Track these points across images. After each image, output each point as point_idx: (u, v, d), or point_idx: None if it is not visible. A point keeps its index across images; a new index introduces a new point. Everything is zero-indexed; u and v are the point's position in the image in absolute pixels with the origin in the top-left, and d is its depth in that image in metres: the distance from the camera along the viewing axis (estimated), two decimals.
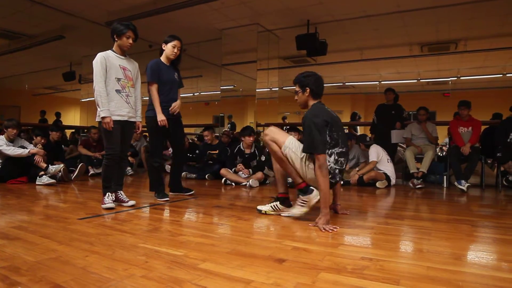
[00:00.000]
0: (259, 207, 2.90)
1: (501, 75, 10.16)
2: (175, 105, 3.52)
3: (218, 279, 1.43)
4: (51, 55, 9.20)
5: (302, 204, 2.62)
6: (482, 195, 4.46)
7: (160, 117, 3.37)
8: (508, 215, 3.10)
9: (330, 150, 2.53)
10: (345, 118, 11.34)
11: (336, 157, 2.56)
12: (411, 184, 5.01)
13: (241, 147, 5.11)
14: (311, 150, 2.49)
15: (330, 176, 2.48)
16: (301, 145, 2.63)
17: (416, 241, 2.15)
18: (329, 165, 2.51)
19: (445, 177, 5.31)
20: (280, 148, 2.69)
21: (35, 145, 5.07)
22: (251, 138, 5.04)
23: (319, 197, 2.50)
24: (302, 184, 2.65)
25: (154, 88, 3.41)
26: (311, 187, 2.60)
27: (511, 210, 3.35)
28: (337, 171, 2.59)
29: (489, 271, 1.61)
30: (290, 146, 2.67)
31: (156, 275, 1.47)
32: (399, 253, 1.89)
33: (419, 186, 4.91)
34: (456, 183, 4.69)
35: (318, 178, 2.41)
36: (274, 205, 2.83)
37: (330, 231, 2.25)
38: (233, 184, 4.94)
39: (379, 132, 6.14)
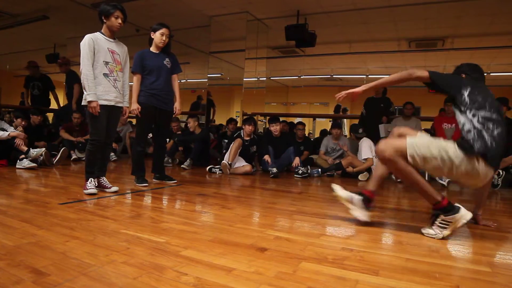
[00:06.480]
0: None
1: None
2: (177, 109, 3.76)
3: (200, 267, 1.44)
4: (35, 35, 8.92)
5: (444, 225, 2.02)
6: (461, 190, 4.56)
7: (133, 106, 3.44)
8: (486, 210, 3.17)
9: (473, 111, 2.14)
10: (332, 111, 11.40)
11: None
12: (393, 177, 5.08)
13: (241, 134, 5.26)
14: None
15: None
16: (436, 140, 2.08)
17: (396, 234, 2.19)
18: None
19: (426, 171, 5.39)
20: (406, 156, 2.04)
21: (16, 128, 4.94)
22: (251, 127, 5.22)
23: (469, 217, 1.99)
24: (444, 201, 2.04)
25: (135, 78, 3.50)
26: (457, 205, 2.03)
27: (489, 206, 3.44)
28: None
29: (465, 264, 1.66)
30: (416, 141, 2.06)
31: (137, 261, 1.46)
32: (379, 244, 1.93)
33: (400, 179, 4.97)
34: (437, 178, 4.77)
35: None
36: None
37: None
38: (218, 171, 5.04)
39: (368, 126, 6.16)
